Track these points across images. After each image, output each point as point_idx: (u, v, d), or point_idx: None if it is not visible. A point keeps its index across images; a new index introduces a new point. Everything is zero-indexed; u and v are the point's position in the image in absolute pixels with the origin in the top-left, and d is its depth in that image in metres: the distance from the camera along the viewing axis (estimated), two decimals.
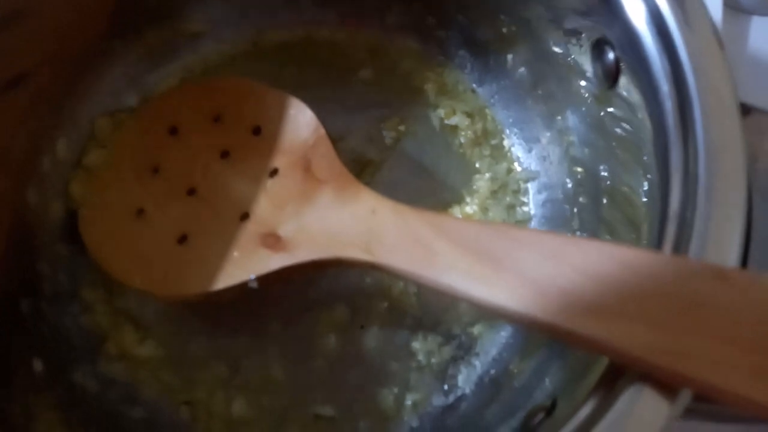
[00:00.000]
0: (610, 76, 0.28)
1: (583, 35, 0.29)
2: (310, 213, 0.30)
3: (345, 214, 0.29)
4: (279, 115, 0.34)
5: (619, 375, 0.21)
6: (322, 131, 0.32)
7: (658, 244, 0.23)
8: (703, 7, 0.24)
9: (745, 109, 0.25)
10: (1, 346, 0.28)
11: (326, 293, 0.35)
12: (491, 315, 0.35)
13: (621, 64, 0.27)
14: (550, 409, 0.25)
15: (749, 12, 0.40)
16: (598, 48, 0.28)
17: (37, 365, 0.29)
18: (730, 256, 0.22)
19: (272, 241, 0.30)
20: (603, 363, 0.22)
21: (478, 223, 0.26)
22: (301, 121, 0.33)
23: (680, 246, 0.22)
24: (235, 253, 0.30)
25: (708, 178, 0.23)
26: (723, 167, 0.23)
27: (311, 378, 0.34)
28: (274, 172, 0.32)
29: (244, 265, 0.30)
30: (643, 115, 0.26)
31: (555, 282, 0.22)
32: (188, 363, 0.34)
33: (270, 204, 0.31)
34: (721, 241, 0.22)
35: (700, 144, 0.23)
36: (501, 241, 0.24)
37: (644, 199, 0.27)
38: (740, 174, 0.22)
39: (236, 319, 0.35)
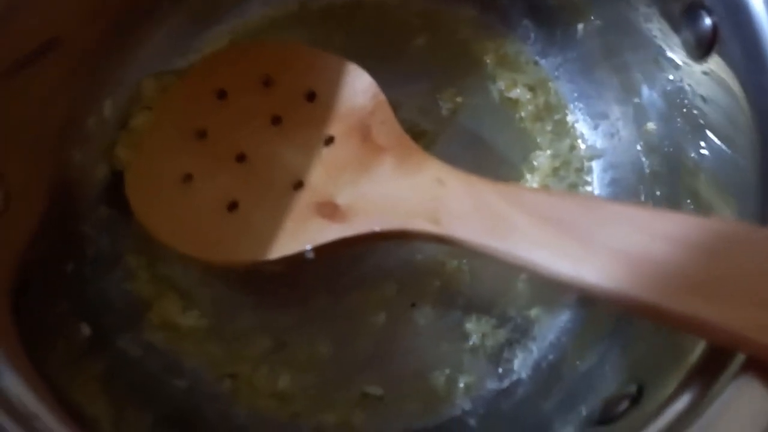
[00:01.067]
0: (703, 45, 0.26)
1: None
2: (370, 182, 0.28)
3: (409, 183, 0.27)
4: (335, 81, 0.32)
5: (721, 361, 0.19)
6: (382, 97, 0.31)
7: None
8: None
9: None
10: (48, 308, 0.27)
11: (376, 269, 0.34)
12: (550, 297, 0.33)
13: (718, 32, 0.25)
14: (636, 397, 0.24)
15: None
16: (691, 13, 0.26)
17: (85, 330, 0.28)
18: None
19: (329, 210, 0.28)
20: (697, 348, 0.20)
21: (557, 194, 0.25)
22: (358, 86, 0.31)
23: None
24: (290, 223, 0.29)
25: None
26: None
27: (359, 356, 0.33)
28: (329, 140, 0.31)
29: (299, 235, 0.28)
30: (737, 90, 0.24)
31: (649, 256, 0.20)
32: (233, 335, 0.33)
33: (325, 173, 0.30)
34: None
35: None
36: (584, 213, 0.22)
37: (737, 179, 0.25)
38: None
39: (283, 292, 0.33)
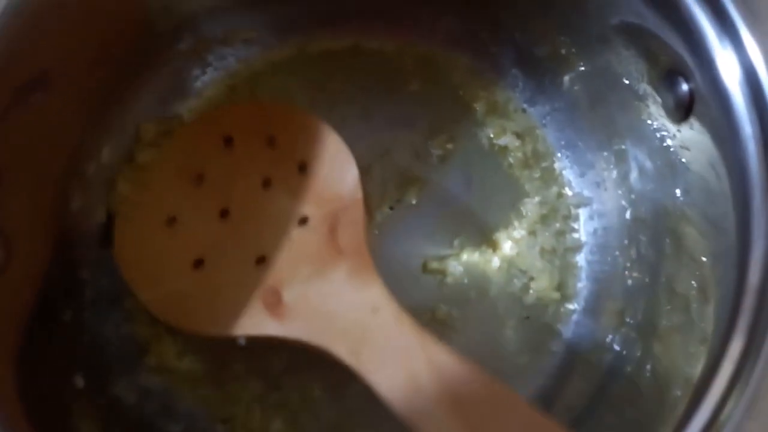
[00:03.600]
0: (681, 109, 0.27)
1: (654, 63, 0.28)
2: (319, 285, 0.29)
3: (349, 300, 0.28)
4: (328, 161, 0.33)
5: None
6: (360, 195, 0.32)
7: (731, 316, 0.22)
8: None
9: None
10: (43, 359, 0.27)
11: None
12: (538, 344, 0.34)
13: (695, 97, 0.26)
14: None
15: None
16: (670, 78, 0.27)
17: (79, 381, 0.29)
18: None
19: (274, 300, 0.30)
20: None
21: (472, 368, 0.25)
22: (346, 176, 0.32)
23: (758, 324, 0.21)
24: (238, 300, 0.30)
25: None
26: None
27: (352, 401, 0.33)
28: (303, 221, 0.32)
29: (240, 319, 0.30)
30: (715, 157, 0.25)
31: None
32: (227, 378, 0.33)
33: (288, 258, 0.31)
34: None
35: None
36: (487, 401, 0.23)
37: (710, 260, 0.26)
38: None
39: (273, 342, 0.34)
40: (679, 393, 0.24)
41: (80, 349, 0.30)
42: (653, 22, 0.26)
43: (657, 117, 0.30)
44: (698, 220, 0.28)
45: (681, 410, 0.22)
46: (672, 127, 0.28)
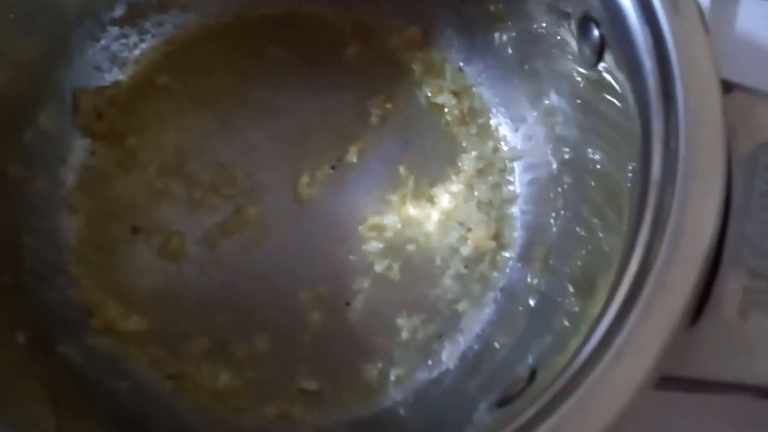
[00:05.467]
0: (594, 53, 0.28)
1: (569, 12, 0.29)
2: None
3: None
4: None
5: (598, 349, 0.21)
6: None
7: (637, 221, 0.23)
8: None
9: (727, 86, 0.25)
10: None
11: (311, 270, 0.35)
12: (476, 292, 0.35)
13: (605, 41, 0.27)
14: (529, 379, 0.26)
15: None
16: (583, 25, 0.28)
17: (20, 337, 0.29)
18: (707, 230, 0.22)
19: None
20: (580, 337, 0.23)
21: None
22: None
23: (659, 219, 0.23)
24: None
25: (688, 153, 0.23)
26: (703, 142, 0.23)
27: (296, 352, 0.34)
28: None
29: None
30: (627, 93, 0.27)
31: None
32: (174, 337, 0.34)
33: None
34: (700, 215, 0.23)
35: (681, 120, 0.23)
36: None
37: (628, 184, 0.27)
38: (719, 148, 0.23)
39: (222, 295, 0.35)
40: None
41: (21, 310, 0.30)
42: None
43: (575, 67, 0.31)
44: (611, 152, 0.29)
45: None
46: (589, 75, 0.30)
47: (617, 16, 0.26)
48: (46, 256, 0.34)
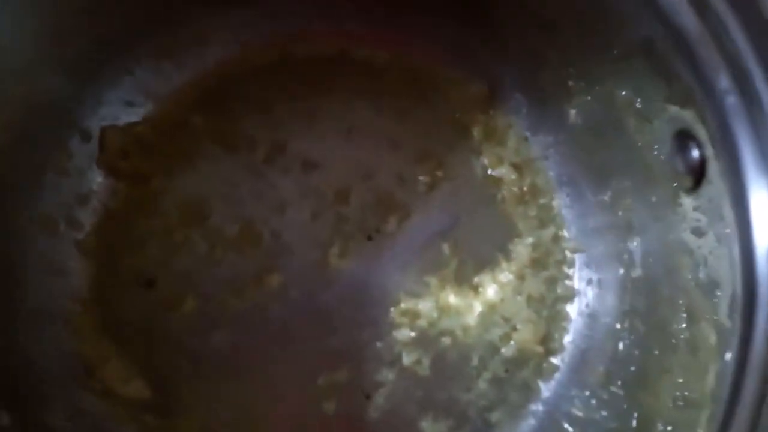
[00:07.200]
0: (693, 174, 0.23)
1: (664, 120, 0.24)
2: None
3: None
4: None
5: None
6: None
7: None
8: None
9: None
10: None
11: (330, 352, 0.32)
12: (515, 401, 0.31)
13: (707, 163, 0.22)
14: None
15: None
16: (680, 140, 0.23)
17: (4, 418, 0.27)
18: None
19: None
20: None
21: None
22: None
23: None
24: None
25: None
26: None
27: None
28: None
29: None
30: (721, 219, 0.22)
31: None
32: (173, 409, 0.31)
33: None
34: None
35: None
36: None
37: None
38: None
39: (232, 367, 0.32)
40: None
41: (10, 377, 0.28)
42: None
43: (667, 177, 0.26)
44: (694, 284, 0.24)
45: None
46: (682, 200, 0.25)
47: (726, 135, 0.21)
48: (50, 302, 0.31)
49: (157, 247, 0.33)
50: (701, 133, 0.22)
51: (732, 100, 0.20)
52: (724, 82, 0.20)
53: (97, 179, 0.33)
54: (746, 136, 0.20)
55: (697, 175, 0.22)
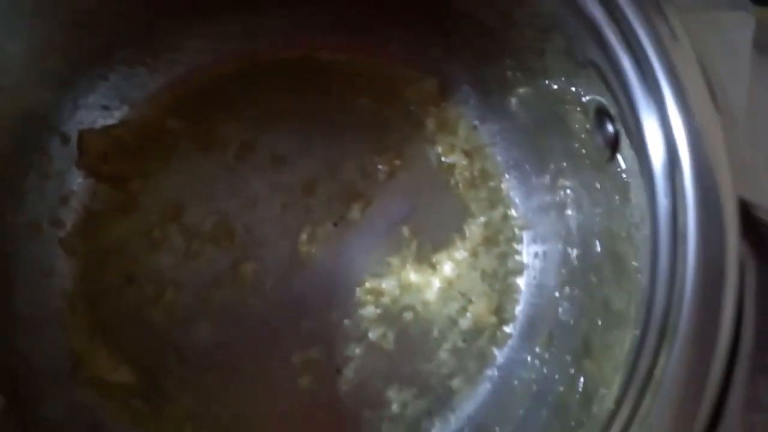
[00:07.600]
0: (609, 147, 0.26)
1: (585, 102, 0.27)
2: None
3: None
4: None
5: None
6: None
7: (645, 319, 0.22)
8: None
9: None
10: None
11: (305, 332, 0.34)
12: (473, 368, 0.34)
13: (620, 137, 0.25)
14: None
15: None
16: (599, 117, 0.26)
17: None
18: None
19: None
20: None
21: None
22: None
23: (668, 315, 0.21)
24: None
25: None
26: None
27: (282, 418, 0.33)
28: None
29: None
30: (639, 191, 0.25)
31: None
32: (159, 394, 0.33)
33: None
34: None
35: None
36: None
37: (638, 275, 0.25)
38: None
39: (212, 353, 0.34)
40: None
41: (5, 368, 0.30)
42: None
43: (590, 152, 0.29)
44: (623, 249, 0.27)
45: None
46: (603, 164, 0.28)
47: (632, 114, 0.24)
48: (39, 301, 0.34)
49: (136, 244, 0.35)
50: (613, 110, 0.25)
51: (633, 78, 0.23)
52: (625, 61, 0.23)
53: (77, 180, 0.35)
54: (647, 108, 0.23)
55: (613, 148, 0.25)
